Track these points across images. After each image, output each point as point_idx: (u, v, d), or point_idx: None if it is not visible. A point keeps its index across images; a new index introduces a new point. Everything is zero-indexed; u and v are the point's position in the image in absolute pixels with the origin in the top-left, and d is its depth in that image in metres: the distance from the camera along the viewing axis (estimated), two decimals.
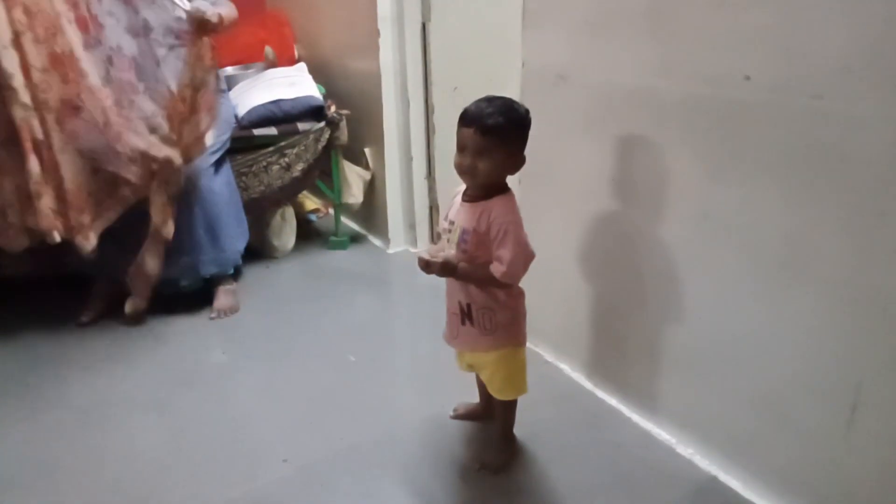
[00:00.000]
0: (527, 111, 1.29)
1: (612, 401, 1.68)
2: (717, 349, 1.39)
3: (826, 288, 1.16)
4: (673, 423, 1.53)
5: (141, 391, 1.84)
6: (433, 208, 2.73)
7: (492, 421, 1.56)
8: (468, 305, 1.36)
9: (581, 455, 1.51)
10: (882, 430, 1.12)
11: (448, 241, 1.36)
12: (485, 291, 1.34)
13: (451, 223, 1.36)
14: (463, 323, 1.38)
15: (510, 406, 1.48)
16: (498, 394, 1.45)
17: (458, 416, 1.64)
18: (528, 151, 1.31)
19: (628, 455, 1.50)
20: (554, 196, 1.74)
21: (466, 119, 1.26)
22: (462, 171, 1.29)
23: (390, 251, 2.76)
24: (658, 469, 1.45)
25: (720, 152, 1.29)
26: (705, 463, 1.45)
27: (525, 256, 1.29)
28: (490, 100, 1.27)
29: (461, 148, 1.27)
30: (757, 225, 1.25)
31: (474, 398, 1.63)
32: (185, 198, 2.15)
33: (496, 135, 1.24)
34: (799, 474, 1.27)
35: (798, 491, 1.27)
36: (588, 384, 1.75)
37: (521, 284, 1.37)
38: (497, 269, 1.28)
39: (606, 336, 1.68)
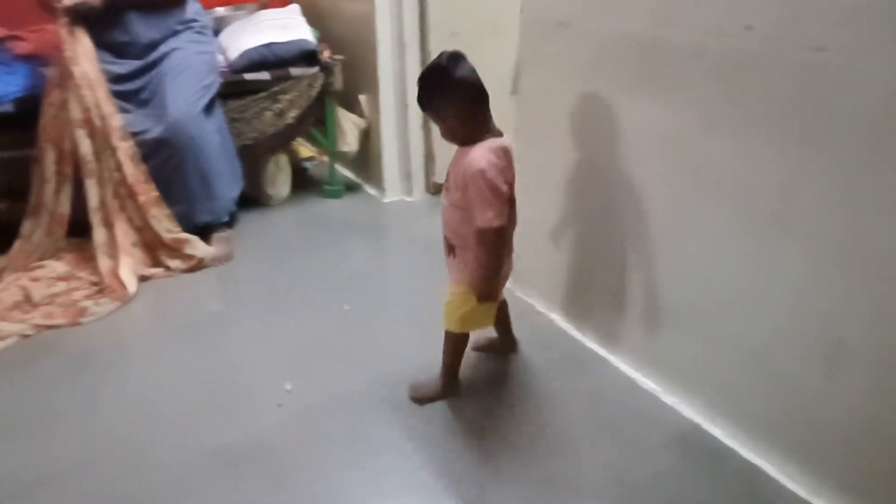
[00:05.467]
0: (447, 62, 1.29)
1: (602, 350, 1.71)
2: (704, 301, 1.40)
3: (814, 242, 1.16)
4: (659, 372, 1.57)
5: (136, 339, 1.87)
6: (429, 157, 2.71)
7: (511, 354, 1.71)
8: (451, 242, 1.44)
9: (568, 401, 1.55)
10: (858, 381, 1.14)
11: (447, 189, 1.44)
12: (464, 234, 1.39)
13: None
14: (447, 255, 1.47)
15: (452, 342, 1.52)
16: (444, 320, 1.49)
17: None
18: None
19: (614, 402, 1.54)
20: (550, 145, 1.72)
21: None
22: (444, 138, 1.40)
23: (385, 200, 2.75)
24: (643, 416, 1.49)
25: (716, 104, 1.27)
26: (689, 411, 1.49)
27: (494, 208, 1.29)
28: (421, 76, 1.34)
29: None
30: (749, 178, 1.25)
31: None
32: (175, 146, 2.12)
33: (430, 108, 1.36)
34: (777, 422, 1.31)
35: (775, 438, 1.31)
36: (577, 334, 1.78)
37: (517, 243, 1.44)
38: (476, 218, 1.33)
39: (596, 287, 1.70)
